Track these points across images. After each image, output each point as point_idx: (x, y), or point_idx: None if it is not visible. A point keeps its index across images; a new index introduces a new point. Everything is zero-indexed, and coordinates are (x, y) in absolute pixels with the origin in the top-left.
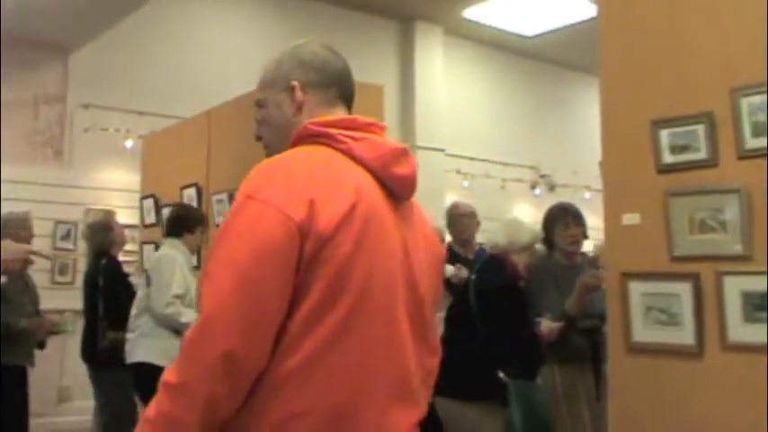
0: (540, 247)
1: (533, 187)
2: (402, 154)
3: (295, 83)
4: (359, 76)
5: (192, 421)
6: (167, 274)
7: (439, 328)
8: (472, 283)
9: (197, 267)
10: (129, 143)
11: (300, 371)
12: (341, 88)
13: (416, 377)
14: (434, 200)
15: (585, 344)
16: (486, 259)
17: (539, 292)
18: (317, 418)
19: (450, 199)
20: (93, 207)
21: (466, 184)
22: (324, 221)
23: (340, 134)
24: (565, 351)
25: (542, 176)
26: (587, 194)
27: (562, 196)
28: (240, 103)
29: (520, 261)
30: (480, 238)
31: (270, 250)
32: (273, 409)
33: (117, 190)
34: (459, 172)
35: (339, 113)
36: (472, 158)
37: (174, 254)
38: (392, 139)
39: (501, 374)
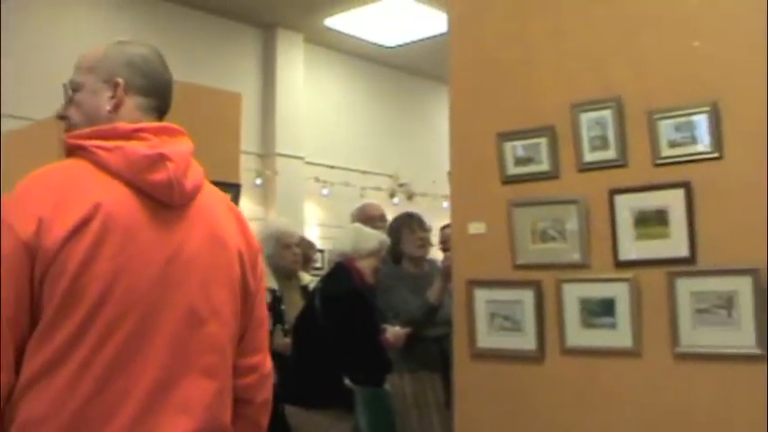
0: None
1: (392, 196)
2: (158, 160)
3: (120, 81)
4: (219, 82)
5: None
6: None
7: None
8: (318, 291)
9: None
10: None
11: (38, 381)
12: (160, 99)
13: (190, 385)
14: (293, 207)
15: (436, 351)
16: (333, 267)
17: (390, 292)
18: (54, 426)
19: (309, 207)
20: None
21: (325, 191)
22: (50, 239)
23: (92, 145)
24: (415, 359)
25: (401, 185)
26: (445, 204)
27: (420, 205)
28: None
29: (367, 267)
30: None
31: (6, 269)
32: (19, 411)
33: None
34: (318, 180)
35: (149, 122)
36: (332, 167)
37: None
38: (178, 143)
39: (347, 381)
